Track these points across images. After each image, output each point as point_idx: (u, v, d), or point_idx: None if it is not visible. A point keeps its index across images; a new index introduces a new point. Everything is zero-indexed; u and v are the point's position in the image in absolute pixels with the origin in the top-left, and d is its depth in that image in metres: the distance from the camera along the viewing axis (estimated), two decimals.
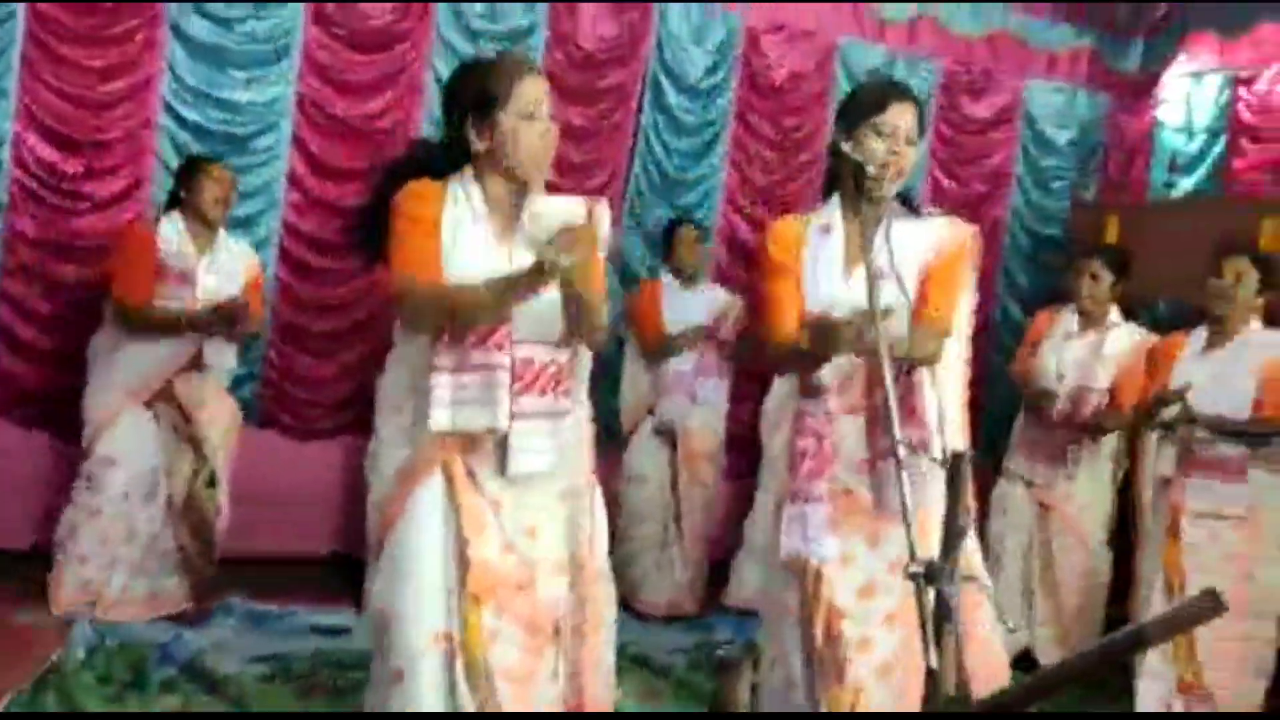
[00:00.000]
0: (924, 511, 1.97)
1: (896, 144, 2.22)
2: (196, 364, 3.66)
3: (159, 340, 3.59)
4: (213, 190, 3.65)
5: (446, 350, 2.02)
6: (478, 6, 4.59)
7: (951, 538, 1.72)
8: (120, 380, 3.61)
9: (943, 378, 2.27)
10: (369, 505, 2.29)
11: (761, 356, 2.45)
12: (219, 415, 3.73)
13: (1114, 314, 3.97)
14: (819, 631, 2.22)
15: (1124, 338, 3.93)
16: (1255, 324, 3.41)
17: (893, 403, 1.84)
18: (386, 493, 2.12)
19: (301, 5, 4.34)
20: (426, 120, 4.58)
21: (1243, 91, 5.07)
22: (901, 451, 1.81)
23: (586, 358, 2.20)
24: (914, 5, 5.26)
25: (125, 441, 3.58)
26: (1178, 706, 3.29)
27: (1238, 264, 3.40)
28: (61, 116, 4.08)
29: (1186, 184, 5.28)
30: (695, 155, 4.99)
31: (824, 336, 2.12)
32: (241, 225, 4.30)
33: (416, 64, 4.54)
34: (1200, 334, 3.47)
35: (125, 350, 3.60)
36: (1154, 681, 3.33)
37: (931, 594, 1.66)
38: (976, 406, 5.24)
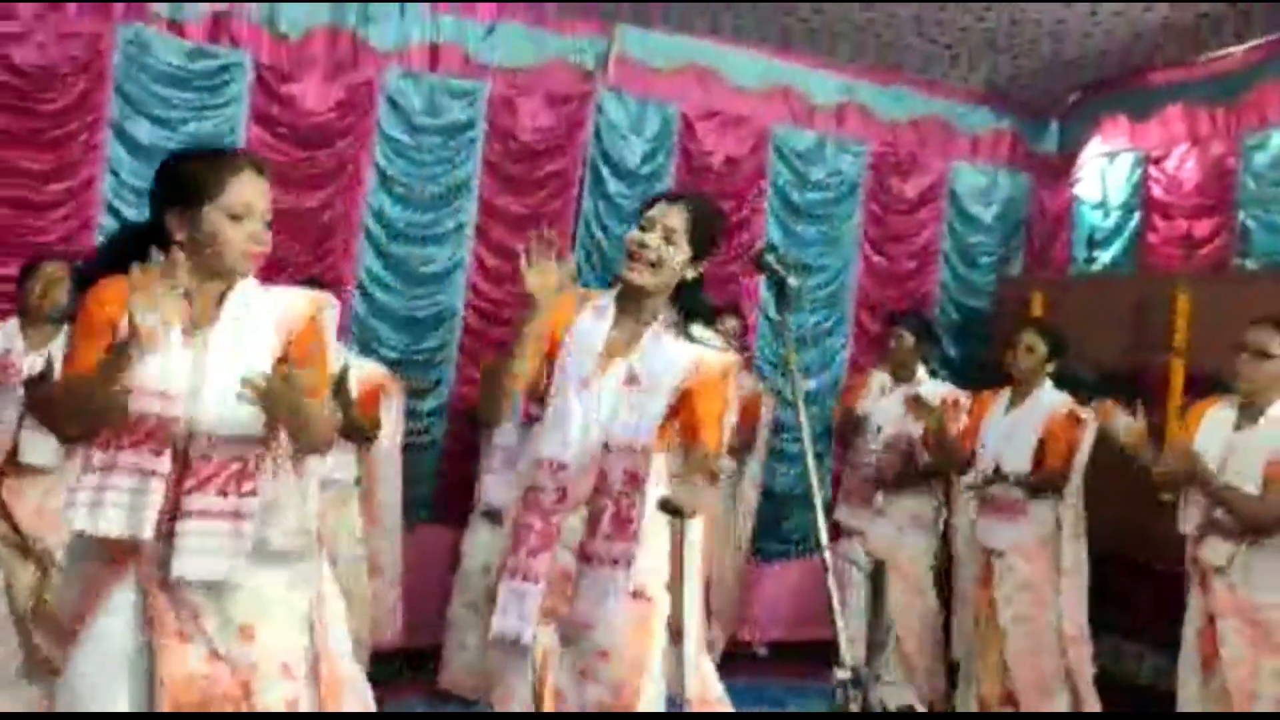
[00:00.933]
0: (614, 624, 2.18)
1: (649, 237, 2.30)
2: (15, 464, 3.44)
3: None
4: (37, 288, 3.53)
5: (101, 450, 1.90)
6: (418, 101, 4.71)
7: (875, 646, 1.80)
8: None
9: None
10: (58, 606, 2.13)
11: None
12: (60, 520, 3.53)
13: (921, 371, 4.44)
14: (548, 707, 2.24)
15: (932, 392, 4.34)
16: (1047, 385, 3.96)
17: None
18: (74, 596, 1.97)
19: (244, 104, 4.42)
20: (369, 213, 4.67)
21: (1153, 170, 5.33)
22: (827, 557, 1.88)
23: (315, 472, 2.08)
24: (842, 92, 5.48)
25: None
26: None
27: (1029, 336, 3.98)
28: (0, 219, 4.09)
29: (1105, 258, 5.52)
30: None
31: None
32: None
33: (358, 158, 4.63)
34: (1005, 395, 4.01)
35: None
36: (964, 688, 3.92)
37: (853, 698, 1.73)
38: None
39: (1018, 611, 3.80)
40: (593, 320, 2.32)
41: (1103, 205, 5.60)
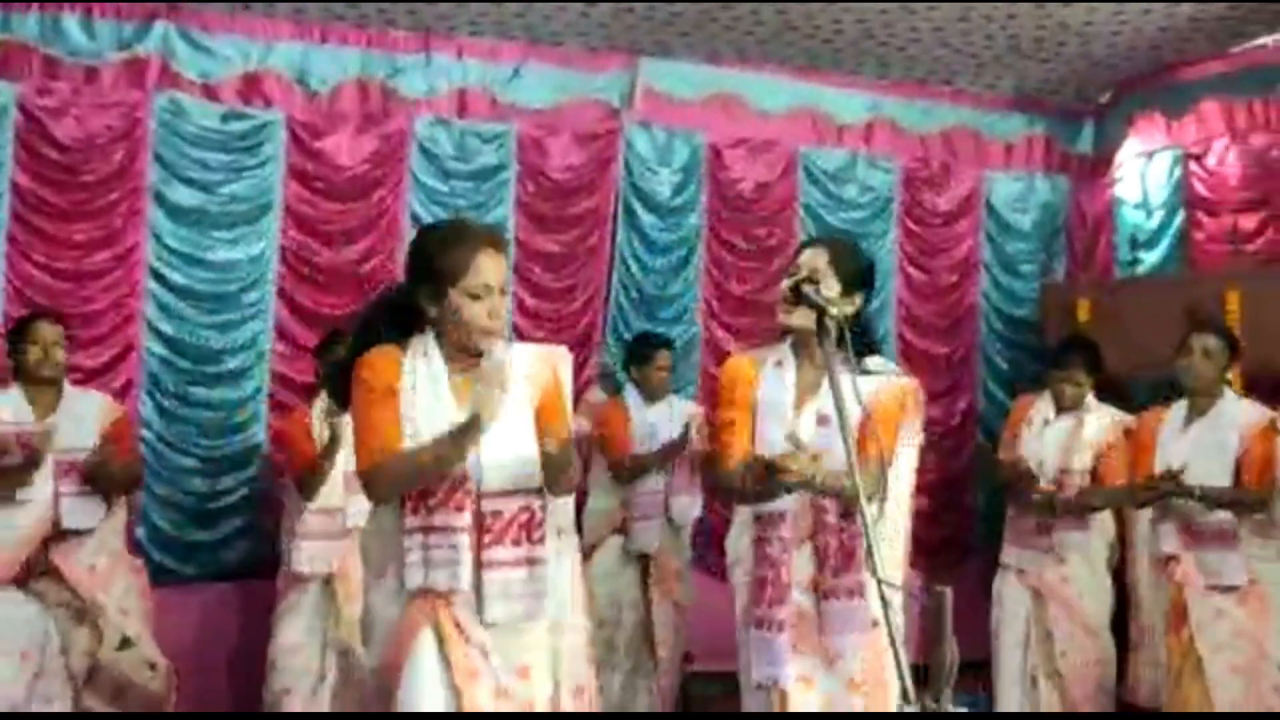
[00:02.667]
0: (862, 652, 2.33)
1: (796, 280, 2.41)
2: (58, 532, 3.45)
3: (11, 510, 3.35)
4: (34, 350, 3.47)
5: (412, 514, 2.10)
6: (449, 147, 4.76)
7: (941, 674, 1.77)
8: None
9: (891, 515, 2.47)
10: (365, 670, 2.33)
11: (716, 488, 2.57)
12: (111, 577, 3.55)
13: (1090, 399, 4.03)
14: None
15: (1102, 419, 4.00)
16: (1229, 394, 3.55)
17: (871, 536, 1.92)
18: (382, 655, 2.16)
19: (280, 162, 4.49)
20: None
21: (1194, 166, 5.24)
22: (886, 591, 1.86)
23: (564, 509, 2.31)
24: (868, 109, 5.45)
25: None
26: None
27: (1204, 340, 3.53)
28: (48, 291, 4.17)
29: (1150, 259, 5.41)
30: (671, 271, 5.12)
31: (771, 474, 2.28)
32: (231, 379, 4.40)
33: (394, 208, 4.68)
34: (1180, 409, 3.58)
35: None
36: None
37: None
38: (966, 497, 5.34)
39: (1234, 662, 3.36)
40: (776, 374, 2.48)
41: (1144, 205, 5.50)
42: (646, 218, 5.07)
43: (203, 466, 4.36)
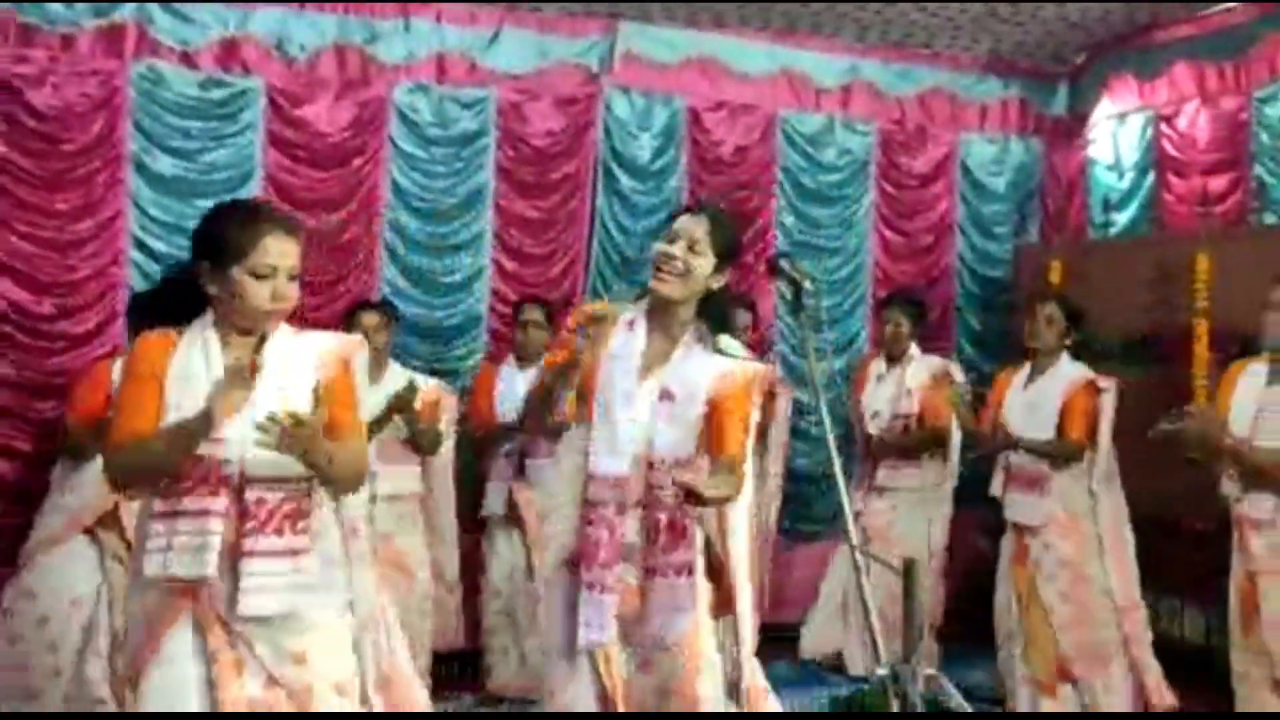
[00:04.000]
0: (680, 624, 2.32)
1: (675, 248, 2.37)
2: None
3: (95, 464, 3.34)
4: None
5: (162, 499, 2.02)
6: (428, 113, 4.77)
7: (910, 641, 1.86)
8: (64, 504, 3.55)
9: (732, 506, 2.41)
10: (124, 647, 2.23)
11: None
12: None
13: (912, 349, 4.55)
14: (619, 705, 2.36)
15: (920, 370, 4.54)
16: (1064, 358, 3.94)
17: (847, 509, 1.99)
18: (137, 638, 2.07)
19: (260, 130, 4.49)
20: (389, 227, 4.74)
21: (1165, 128, 5.31)
22: (858, 558, 1.94)
23: (351, 503, 2.20)
24: (846, 72, 5.48)
25: (53, 576, 3.48)
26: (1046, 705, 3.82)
27: (1047, 309, 3.94)
28: (30, 260, 4.19)
29: (1122, 220, 5.50)
30: (651, 235, 5.08)
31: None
32: None
33: (374, 174, 4.70)
34: (1025, 370, 4.01)
35: (72, 478, 3.56)
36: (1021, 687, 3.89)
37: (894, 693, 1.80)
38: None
39: (1060, 589, 3.80)
40: (626, 337, 2.40)
41: (1116, 167, 5.57)
42: (626, 181, 5.11)
43: None
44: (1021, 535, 3.89)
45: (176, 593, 2.02)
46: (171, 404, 2.03)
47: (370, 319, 4.02)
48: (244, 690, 2.01)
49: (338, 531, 2.19)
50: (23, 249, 4.19)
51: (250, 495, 2.03)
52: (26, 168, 4.19)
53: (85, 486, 3.53)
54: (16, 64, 4.18)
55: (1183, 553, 4.36)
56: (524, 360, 4.29)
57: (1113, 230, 5.51)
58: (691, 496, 2.20)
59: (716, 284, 2.40)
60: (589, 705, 2.37)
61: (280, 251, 2.06)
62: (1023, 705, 3.89)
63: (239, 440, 2.02)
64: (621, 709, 2.36)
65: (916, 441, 4.48)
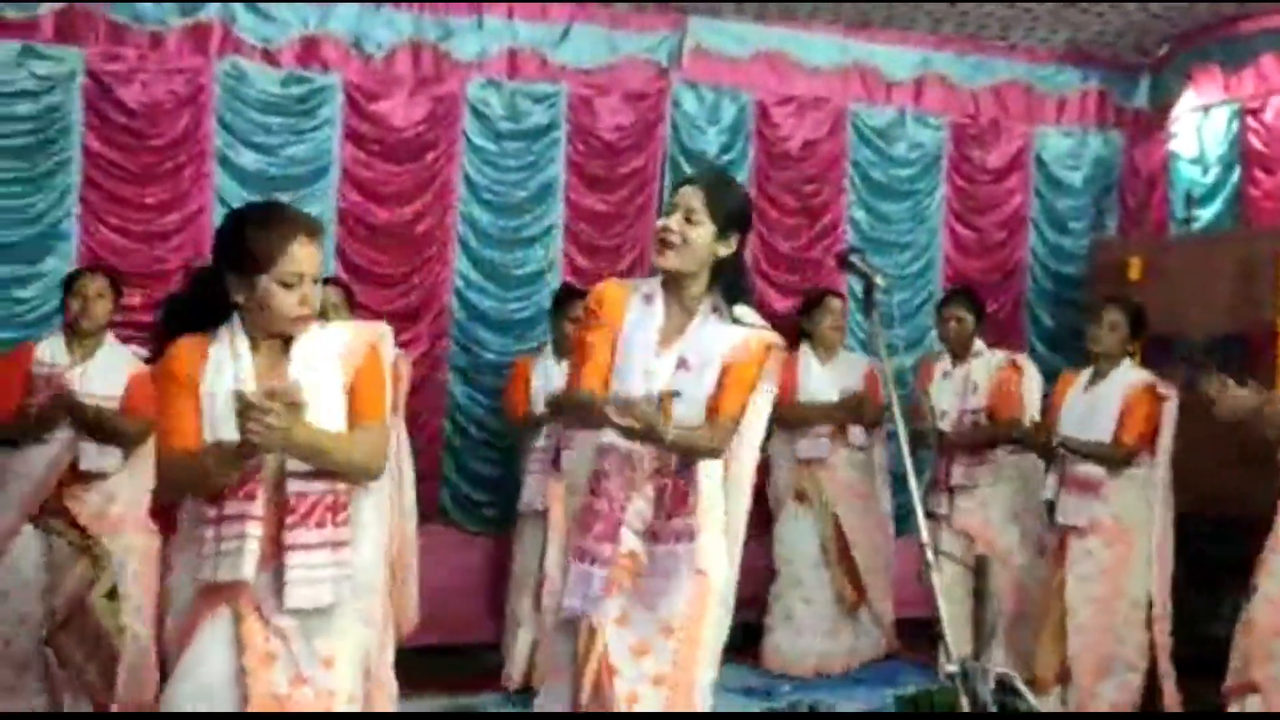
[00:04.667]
0: (680, 597, 2.30)
1: (670, 220, 2.36)
2: (78, 473, 3.52)
3: (34, 448, 3.48)
4: (74, 303, 3.57)
5: (209, 503, 2.04)
6: (500, 108, 4.84)
7: (982, 638, 1.84)
8: (9, 498, 3.51)
9: (735, 472, 2.44)
10: (165, 632, 2.25)
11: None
12: (122, 528, 3.58)
13: (977, 344, 4.39)
14: (587, 684, 2.32)
15: (988, 364, 4.36)
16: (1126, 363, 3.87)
17: (912, 483, 1.96)
18: (178, 623, 2.12)
19: (337, 125, 4.60)
20: (461, 220, 4.82)
21: (1251, 121, 5.15)
22: (929, 555, 1.93)
23: (376, 497, 2.19)
24: (918, 65, 5.41)
25: (16, 571, 3.48)
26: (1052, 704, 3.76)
27: (1112, 314, 3.85)
28: (121, 252, 4.35)
29: (1205, 216, 5.35)
30: None
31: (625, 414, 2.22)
32: None
33: (448, 169, 4.78)
34: (1087, 373, 3.90)
35: (11, 468, 3.53)
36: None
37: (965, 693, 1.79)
38: None
39: (1089, 593, 3.74)
40: (643, 309, 2.39)
41: (1200, 161, 5.42)
42: None
43: None
44: (1066, 535, 3.81)
45: (220, 589, 2.05)
46: (207, 410, 2.04)
47: (329, 296, 3.73)
48: (271, 686, 2.02)
49: (382, 527, 2.21)
50: (113, 241, 4.36)
51: (291, 488, 2.04)
52: (117, 162, 4.36)
53: (18, 473, 3.51)
54: (107, 62, 4.34)
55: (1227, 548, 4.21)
56: (562, 354, 4.21)
57: (1195, 226, 5.35)
58: (651, 434, 2.21)
59: (724, 251, 2.35)
60: (561, 672, 2.36)
61: (307, 258, 2.05)
62: None
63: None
64: (591, 693, 2.32)
65: (988, 436, 4.35)
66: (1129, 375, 3.83)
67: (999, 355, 4.45)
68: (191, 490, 2.07)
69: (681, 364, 2.34)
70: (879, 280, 2.23)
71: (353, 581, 2.10)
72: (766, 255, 5.24)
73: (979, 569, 1.87)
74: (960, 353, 4.43)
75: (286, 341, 2.10)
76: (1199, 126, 5.42)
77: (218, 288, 2.07)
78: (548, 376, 4.20)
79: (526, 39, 4.87)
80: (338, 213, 4.64)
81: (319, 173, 4.61)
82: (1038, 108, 5.60)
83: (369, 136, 4.66)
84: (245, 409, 1.92)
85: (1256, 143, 5.12)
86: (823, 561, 4.51)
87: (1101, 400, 3.80)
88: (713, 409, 2.34)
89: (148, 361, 2.22)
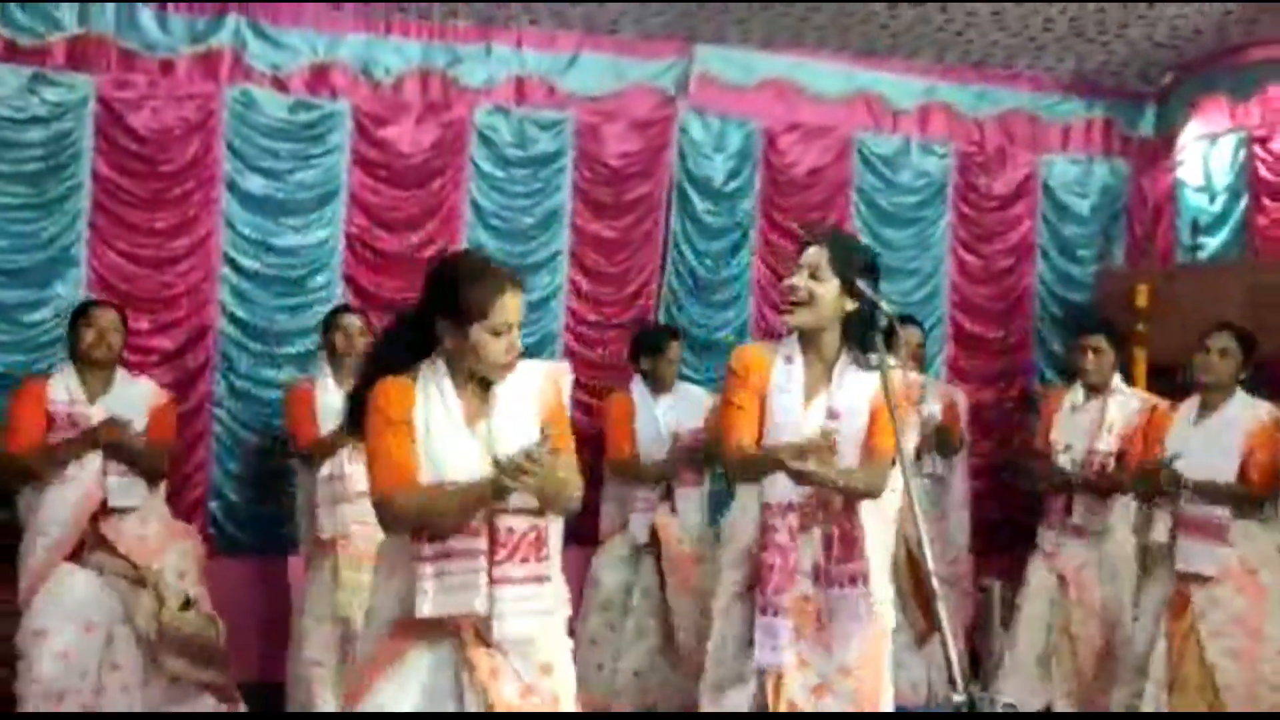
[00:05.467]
0: (859, 638, 2.41)
1: (796, 279, 2.56)
2: (106, 508, 3.55)
3: (62, 487, 3.50)
4: (88, 335, 3.59)
5: (429, 541, 2.11)
6: (508, 135, 4.86)
7: (988, 667, 1.83)
8: (40, 538, 3.52)
9: (887, 506, 2.56)
10: (361, 653, 2.29)
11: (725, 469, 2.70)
12: (165, 543, 3.65)
13: (1116, 380, 4.12)
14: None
15: (1126, 404, 4.08)
16: (1240, 393, 3.62)
17: (922, 528, 1.99)
18: (374, 646, 2.18)
19: (345, 151, 4.63)
20: (468, 246, 4.82)
21: (1259, 150, 5.15)
22: (935, 584, 1.93)
23: (559, 525, 2.27)
24: (923, 93, 5.44)
25: (55, 607, 3.47)
26: None
27: (1221, 339, 3.65)
28: (128, 277, 4.37)
29: (1212, 244, 5.34)
30: (725, 256, 5.18)
31: (784, 460, 2.36)
32: (300, 360, 4.56)
33: (455, 194, 4.81)
34: (1192, 404, 3.68)
35: (38, 507, 3.53)
36: None
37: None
38: (1017, 486, 5.32)
39: (1229, 646, 3.48)
40: (785, 368, 2.56)
41: (1207, 189, 5.42)
42: (700, 203, 5.13)
43: (272, 444, 4.54)
44: (1185, 584, 3.54)
45: (438, 621, 2.12)
46: (424, 449, 2.13)
47: (352, 322, 3.99)
48: (502, 695, 2.12)
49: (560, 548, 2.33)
50: (122, 266, 4.38)
51: (501, 525, 2.13)
52: (126, 187, 4.39)
53: (49, 511, 3.50)
54: (117, 88, 4.38)
55: None
56: (659, 389, 4.35)
57: (1202, 254, 5.35)
58: (800, 476, 2.33)
59: (851, 305, 2.49)
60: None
61: (515, 309, 2.17)
62: None
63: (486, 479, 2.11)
64: None
65: (1111, 484, 4.00)
66: (1250, 408, 3.57)
67: (1140, 396, 4.16)
68: (422, 525, 2.11)
69: (832, 414, 2.50)
70: (884, 305, 2.29)
71: (553, 608, 2.22)
72: (772, 281, 5.23)
73: (985, 600, 1.86)
74: (1097, 386, 4.12)
75: (484, 382, 2.20)
76: (1205, 155, 5.42)
77: (425, 330, 2.19)
78: (649, 411, 4.32)
79: (534, 67, 4.90)
80: (345, 238, 4.66)
81: (327, 198, 4.63)
82: (1043, 136, 5.61)
83: (377, 162, 4.69)
84: (510, 469, 2.01)
85: (1264, 171, 5.12)
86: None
87: (1218, 435, 3.54)
88: (868, 451, 2.48)
89: (355, 395, 2.27)
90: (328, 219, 4.63)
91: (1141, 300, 5.10)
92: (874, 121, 5.40)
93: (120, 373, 3.70)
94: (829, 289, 2.49)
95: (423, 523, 2.12)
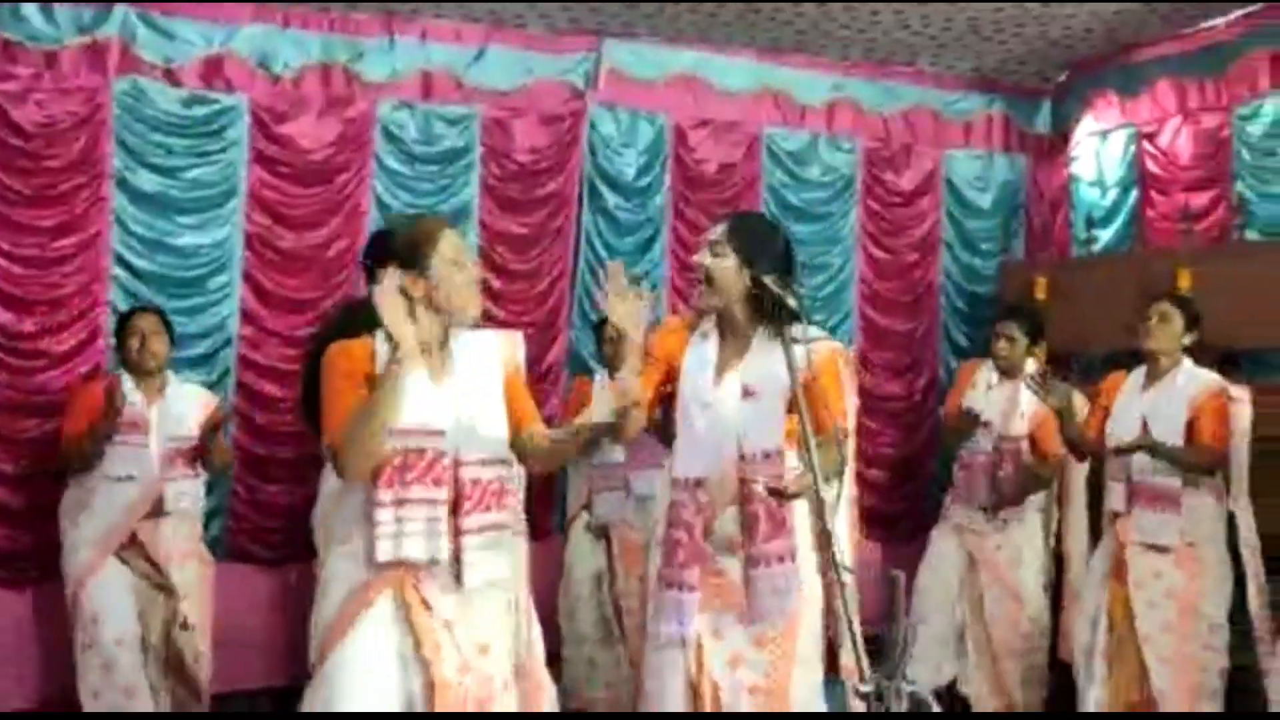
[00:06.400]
0: (779, 612, 2.41)
1: (698, 256, 2.58)
2: (159, 509, 3.73)
3: (119, 485, 3.66)
4: (133, 342, 3.77)
5: (386, 487, 2.16)
6: (413, 130, 4.77)
7: (897, 656, 1.85)
8: (89, 535, 3.67)
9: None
10: (311, 627, 2.33)
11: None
12: (187, 560, 3.81)
13: (1030, 367, 4.15)
14: (707, 698, 2.44)
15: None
16: (1186, 362, 3.66)
17: (829, 518, 2.00)
18: (332, 614, 2.21)
19: (244, 147, 4.49)
20: None
21: (1147, 145, 5.35)
22: (846, 577, 1.96)
23: (521, 473, 2.40)
24: (831, 90, 5.51)
25: (105, 596, 3.63)
26: None
27: (1161, 307, 3.71)
28: (14, 278, 4.17)
29: (1105, 237, 5.53)
30: (637, 251, 5.17)
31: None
32: (200, 363, 4.41)
33: (359, 191, 4.69)
34: (1138, 374, 3.73)
35: (90, 504, 3.68)
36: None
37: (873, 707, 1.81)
38: (926, 470, 5.49)
39: (1163, 618, 3.49)
40: (701, 345, 2.58)
41: (1099, 183, 5.61)
42: (612, 199, 5.11)
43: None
44: (1124, 552, 3.56)
45: (394, 573, 2.15)
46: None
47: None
48: (444, 671, 2.13)
49: (519, 524, 2.44)
50: (5, 267, 4.17)
51: (465, 475, 2.20)
52: (10, 184, 4.17)
53: (103, 511, 3.67)
54: (1, 81, 4.17)
55: None
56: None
57: (1096, 247, 5.53)
58: (779, 495, 2.34)
59: (754, 280, 2.48)
60: (676, 696, 2.46)
61: (462, 242, 2.32)
62: None
63: (455, 432, 2.20)
64: (708, 708, 2.43)
65: (1030, 479, 4.15)
66: (1196, 378, 3.56)
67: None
68: (370, 444, 2.11)
69: (747, 392, 2.49)
70: (790, 301, 2.30)
71: (512, 560, 2.30)
72: (684, 277, 5.24)
73: (891, 587, 1.88)
74: (1009, 372, 4.21)
75: (442, 344, 2.25)
76: (1098, 150, 5.61)
77: (367, 314, 2.19)
78: (603, 394, 4.26)
79: (440, 60, 4.82)
80: (245, 237, 4.51)
81: (225, 195, 4.48)
82: (945, 132, 5.74)
83: (277, 159, 4.55)
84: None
85: (1152, 165, 5.32)
86: None
87: (1165, 401, 3.53)
88: (819, 430, 2.38)
89: (307, 373, 2.43)
90: (226, 217, 4.48)
91: (1040, 292, 5.26)
92: (782, 117, 5.45)
93: (170, 377, 3.86)
94: (728, 265, 2.49)
95: (361, 439, 2.11)
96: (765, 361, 2.48)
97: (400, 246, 2.24)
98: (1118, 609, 3.59)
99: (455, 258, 2.22)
